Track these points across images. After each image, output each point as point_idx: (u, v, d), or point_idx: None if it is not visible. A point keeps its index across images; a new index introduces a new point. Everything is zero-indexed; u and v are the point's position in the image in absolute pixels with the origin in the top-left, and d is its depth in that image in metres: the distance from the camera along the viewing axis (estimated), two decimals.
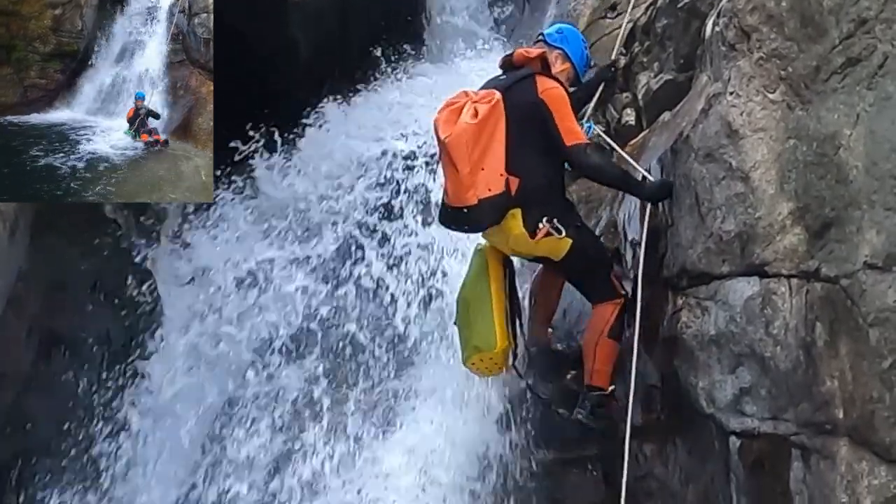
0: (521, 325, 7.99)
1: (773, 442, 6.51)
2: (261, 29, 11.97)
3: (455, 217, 7.46)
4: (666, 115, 8.44)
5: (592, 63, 8.66)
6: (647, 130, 8.71)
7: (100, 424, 9.72)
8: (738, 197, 6.84)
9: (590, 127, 8.05)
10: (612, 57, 9.54)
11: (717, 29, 7.38)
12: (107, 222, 10.53)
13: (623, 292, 7.80)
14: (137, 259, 10.69)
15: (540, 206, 7.38)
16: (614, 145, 8.12)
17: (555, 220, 7.37)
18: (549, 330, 8.35)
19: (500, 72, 8.00)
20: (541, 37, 8.47)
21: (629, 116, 8.97)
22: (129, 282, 10.46)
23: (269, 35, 12.10)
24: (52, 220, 9.42)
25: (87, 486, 9.42)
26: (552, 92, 7.44)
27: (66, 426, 9.53)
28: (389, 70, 13.07)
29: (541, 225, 7.34)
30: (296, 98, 12.11)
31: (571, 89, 8.09)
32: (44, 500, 9.16)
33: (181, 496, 9.48)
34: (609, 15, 11.45)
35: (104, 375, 9.95)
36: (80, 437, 9.53)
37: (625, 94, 9.23)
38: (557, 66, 7.99)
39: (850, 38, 6.25)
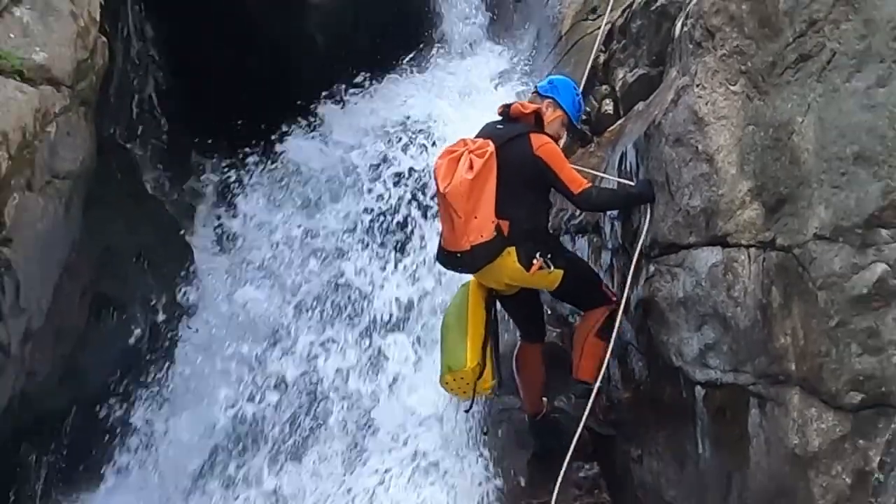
0: (496, 352, 7.85)
1: (733, 391, 6.57)
2: (282, 24, 11.99)
3: (451, 260, 7.48)
4: (640, 105, 8.46)
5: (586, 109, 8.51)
6: (624, 119, 8.73)
7: (143, 376, 9.81)
8: (703, 177, 6.86)
9: None
10: (593, 55, 9.57)
11: (685, 29, 7.38)
12: (149, 198, 10.59)
13: (615, 299, 7.71)
14: (176, 230, 10.72)
15: (532, 243, 7.34)
16: (595, 172, 8.06)
17: (548, 256, 7.36)
18: (544, 399, 8.18)
19: (498, 117, 7.90)
20: (535, 90, 8.27)
21: (608, 106, 9.01)
22: (168, 251, 10.50)
23: (290, 29, 12.11)
24: (102, 196, 9.48)
25: (131, 431, 9.53)
26: (546, 148, 7.38)
27: (113, 377, 9.59)
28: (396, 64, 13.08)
29: (535, 260, 7.29)
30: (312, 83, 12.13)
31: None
32: (94, 444, 9.23)
33: (216, 440, 9.57)
34: (589, 17, 11.48)
35: (147, 333, 10.02)
36: (127, 387, 9.59)
37: (604, 87, 9.28)
38: (549, 115, 7.83)
39: (802, 37, 6.26)
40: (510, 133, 7.47)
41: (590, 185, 7.46)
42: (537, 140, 7.40)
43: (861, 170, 5.84)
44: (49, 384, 8.93)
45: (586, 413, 7.29)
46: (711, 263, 6.75)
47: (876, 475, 5.16)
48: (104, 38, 9.26)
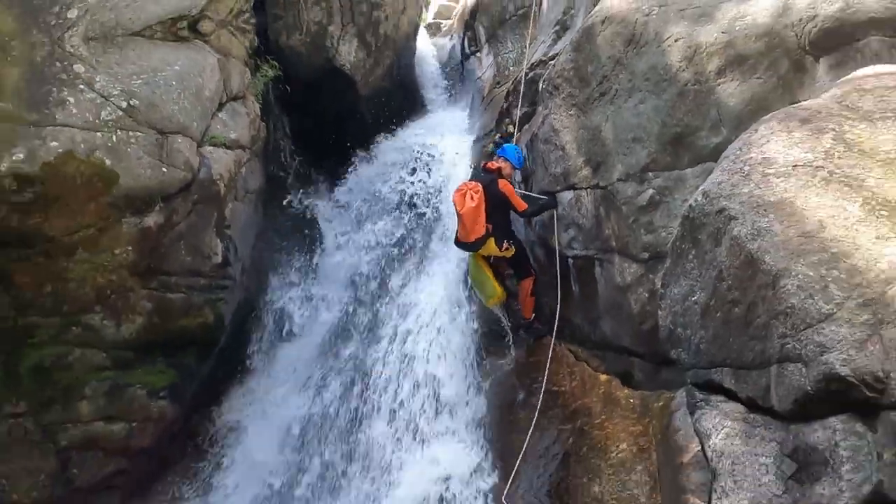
0: (506, 285, 7.81)
1: (587, 259, 6.74)
2: (340, 105, 11.66)
3: (463, 246, 7.44)
4: (526, 126, 8.42)
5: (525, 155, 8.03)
6: (519, 133, 8.67)
7: (296, 296, 9.43)
8: (560, 157, 6.96)
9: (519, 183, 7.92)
10: (503, 115, 9.47)
11: (544, 86, 7.46)
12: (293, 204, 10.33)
13: (534, 272, 7.60)
14: (309, 218, 10.26)
15: (502, 235, 7.34)
16: (527, 193, 7.73)
17: (510, 241, 7.38)
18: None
19: (480, 167, 7.80)
20: (495, 153, 8.02)
21: (511, 128, 8.91)
22: (303, 229, 10.12)
23: (345, 109, 11.72)
24: (270, 203, 9.42)
25: (282, 327, 9.17)
26: (506, 188, 7.29)
27: (284, 294, 9.39)
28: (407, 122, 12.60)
29: (505, 244, 7.30)
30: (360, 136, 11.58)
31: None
32: (258, 338, 8.99)
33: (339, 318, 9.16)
34: (497, 86, 11.36)
35: (294, 269, 9.64)
36: (289, 307, 9.34)
37: (507, 119, 9.19)
38: (503, 166, 7.57)
39: (601, 84, 6.44)
40: (487, 179, 7.37)
41: (527, 207, 7.34)
42: (501, 184, 7.32)
43: (636, 146, 6.06)
44: (254, 295, 8.97)
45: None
46: (569, 199, 6.87)
47: (660, 290, 5.37)
48: (263, 123, 9.19)
